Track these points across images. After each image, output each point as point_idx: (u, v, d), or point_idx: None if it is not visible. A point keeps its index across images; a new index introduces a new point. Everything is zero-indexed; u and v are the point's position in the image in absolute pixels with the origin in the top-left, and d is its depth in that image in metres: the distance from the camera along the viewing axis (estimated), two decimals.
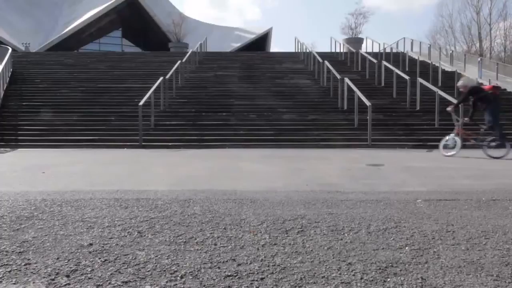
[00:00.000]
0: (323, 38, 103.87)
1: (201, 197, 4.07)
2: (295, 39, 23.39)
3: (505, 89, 15.54)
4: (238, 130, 11.44)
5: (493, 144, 7.82)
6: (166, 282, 2.07)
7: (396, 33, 72.79)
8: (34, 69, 17.67)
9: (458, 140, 8.09)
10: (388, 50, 22.28)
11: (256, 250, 2.54)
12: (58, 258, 2.38)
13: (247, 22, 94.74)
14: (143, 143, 10.46)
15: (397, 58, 19.51)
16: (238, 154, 8.76)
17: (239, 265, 2.29)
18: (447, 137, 8.32)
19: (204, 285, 2.04)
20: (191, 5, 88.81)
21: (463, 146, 8.21)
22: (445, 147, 8.29)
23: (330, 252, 2.50)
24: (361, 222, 3.16)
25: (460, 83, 8.54)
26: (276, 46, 57.96)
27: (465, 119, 8.44)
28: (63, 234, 2.83)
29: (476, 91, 8.12)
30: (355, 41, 27.16)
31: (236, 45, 41.03)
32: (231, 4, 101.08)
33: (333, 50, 23.48)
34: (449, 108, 8.54)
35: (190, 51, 18.91)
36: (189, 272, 2.19)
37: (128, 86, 15.19)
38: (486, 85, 8.61)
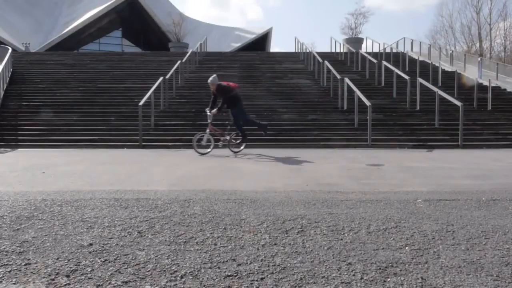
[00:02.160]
0: (323, 38, 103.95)
1: (201, 197, 4.06)
2: (295, 39, 23.42)
3: (505, 89, 15.54)
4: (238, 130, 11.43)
5: (235, 142, 8.59)
6: (166, 282, 2.07)
7: (398, 33, 73.14)
8: (34, 69, 17.66)
9: (212, 138, 8.42)
10: (388, 50, 22.29)
11: (256, 250, 2.53)
12: (58, 258, 2.38)
13: (249, 21, 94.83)
14: (143, 143, 10.45)
15: (397, 58, 19.52)
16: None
17: (239, 265, 2.29)
18: (201, 135, 8.48)
19: (204, 285, 2.04)
20: (193, 4, 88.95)
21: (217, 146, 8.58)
22: (199, 146, 8.39)
23: (330, 252, 2.50)
24: (361, 222, 3.15)
25: (209, 80, 8.55)
26: (277, 46, 58.12)
27: (213, 111, 8.38)
28: (63, 234, 2.83)
29: (226, 90, 8.38)
30: (355, 41, 27.17)
31: (236, 45, 41.05)
32: (233, 4, 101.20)
33: (333, 50, 23.49)
34: (207, 109, 8.65)
35: (190, 51, 18.91)
36: (189, 272, 2.19)
37: (128, 86, 15.18)
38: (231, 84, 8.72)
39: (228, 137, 8.52)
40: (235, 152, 8.44)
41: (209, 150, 8.38)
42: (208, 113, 8.45)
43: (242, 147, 8.59)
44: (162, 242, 2.68)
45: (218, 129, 8.60)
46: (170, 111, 12.82)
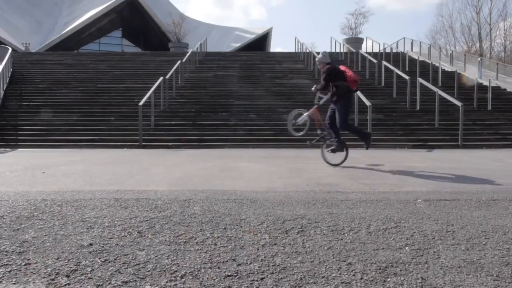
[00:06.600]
0: (323, 38, 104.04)
1: (201, 197, 4.06)
2: (295, 39, 23.43)
3: (505, 89, 15.55)
4: (238, 130, 11.44)
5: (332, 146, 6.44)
6: (166, 282, 2.07)
7: (400, 33, 73.05)
8: (34, 69, 17.67)
9: (308, 122, 6.65)
10: (388, 50, 22.30)
11: (256, 250, 2.53)
12: (58, 258, 2.37)
13: (252, 21, 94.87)
14: (143, 143, 10.46)
15: (397, 58, 19.53)
16: (238, 154, 8.76)
17: (239, 265, 2.29)
18: (298, 112, 6.76)
19: (204, 285, 2.04)
20: (195, 4, 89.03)
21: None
22: (294, 125, 6.73)
23: (330, 252, 2.50)
24: (361, 222, 3.15)
25: (318, 58, 6.52)
26: (279, 46, 58.06)
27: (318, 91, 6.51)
28: (63, 234, 2.83)
29: (340, 76, 6.30)
30: (355, 41, 27.21)
31: (236, 45, 41.08)
32: (236, 3, 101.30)
33: (333, 50, 23.52)
34: (313, 88, 6.69)
35: (190, 51, 18.91)
36: (189, 272, 2.19)
37: (128, 86, 15.19)
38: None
39: (319, 132, 6.61)
40: (332, 164, 6.38)
41: (302, 132, 6.78)
42: (313, 89, 6.64)
43: (342, 159, 6.38)
44: (162, 242, 2.67)
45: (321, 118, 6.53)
46: (170, 111, 12.82)
